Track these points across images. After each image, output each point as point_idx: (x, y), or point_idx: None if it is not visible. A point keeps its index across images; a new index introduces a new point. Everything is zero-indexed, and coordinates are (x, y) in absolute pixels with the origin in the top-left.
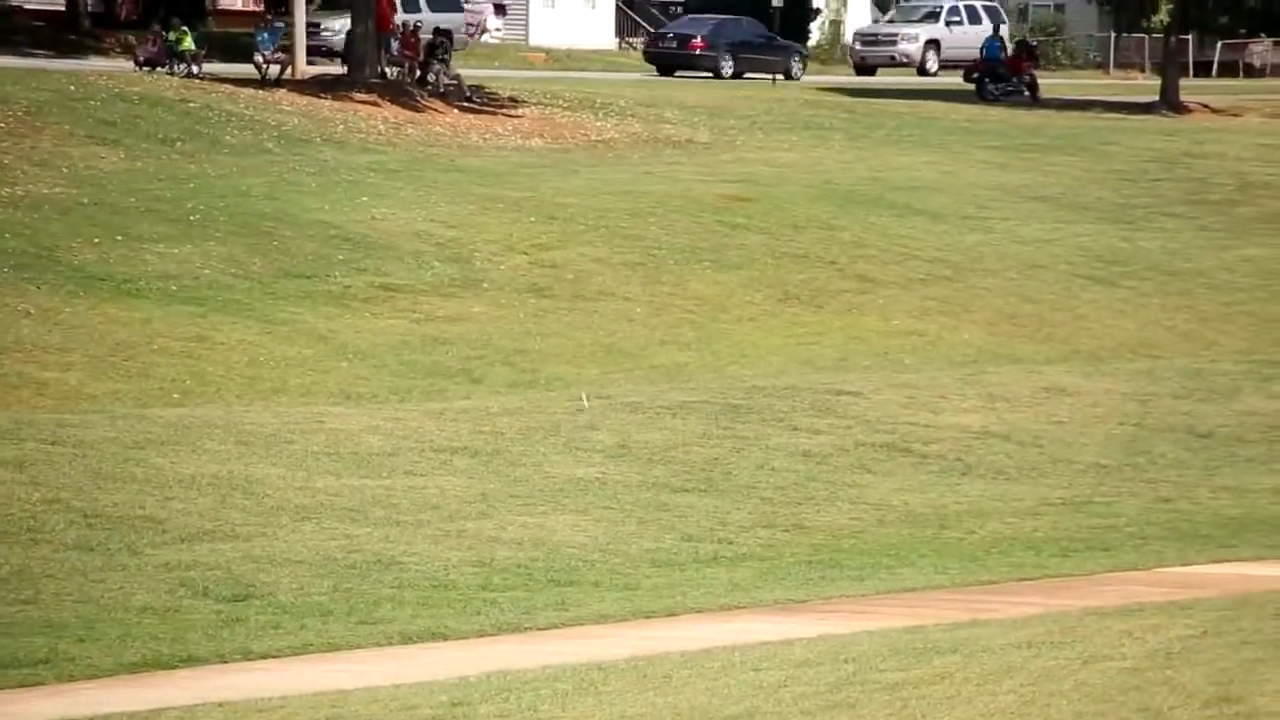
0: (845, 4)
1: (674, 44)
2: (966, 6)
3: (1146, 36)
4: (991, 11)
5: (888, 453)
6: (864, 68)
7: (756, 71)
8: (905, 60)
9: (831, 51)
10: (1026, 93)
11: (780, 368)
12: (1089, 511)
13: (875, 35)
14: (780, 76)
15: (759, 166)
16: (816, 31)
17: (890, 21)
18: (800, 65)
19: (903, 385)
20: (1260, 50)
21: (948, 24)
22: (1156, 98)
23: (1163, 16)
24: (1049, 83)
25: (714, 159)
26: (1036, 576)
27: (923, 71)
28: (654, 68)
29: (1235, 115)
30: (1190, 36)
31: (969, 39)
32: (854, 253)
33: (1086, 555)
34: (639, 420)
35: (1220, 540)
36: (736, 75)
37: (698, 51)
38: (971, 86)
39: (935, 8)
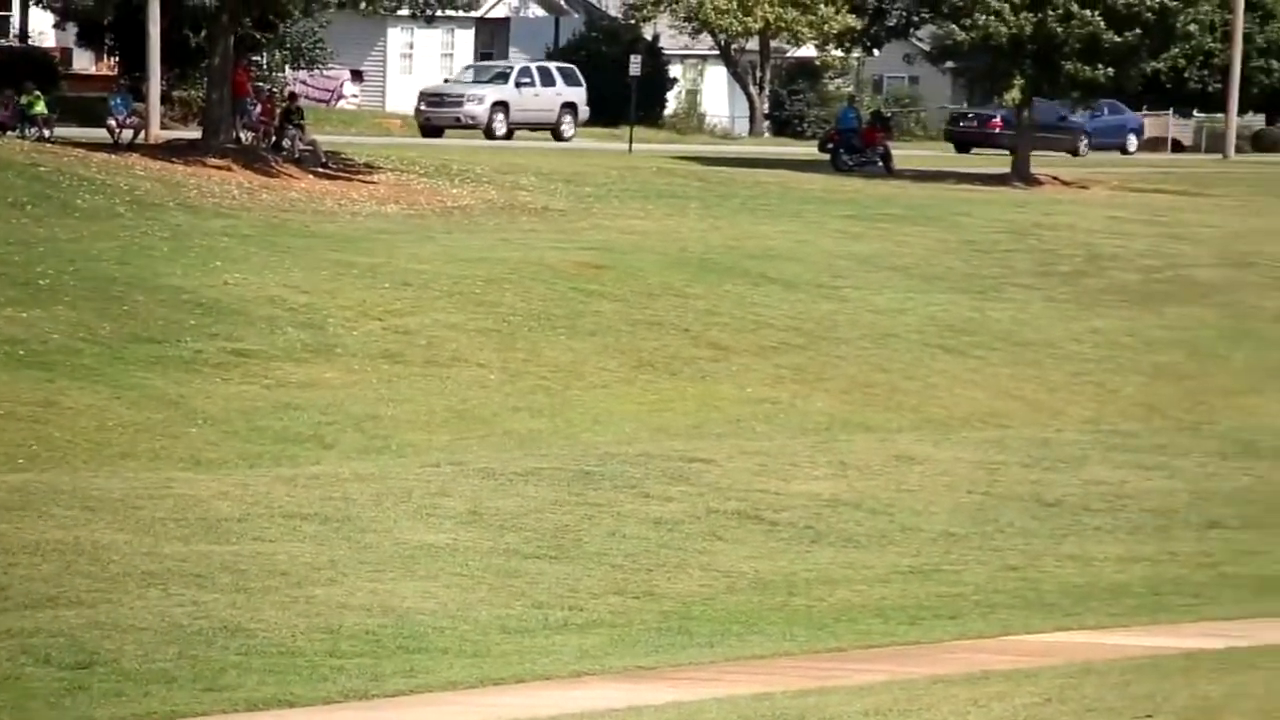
0: (702, 74)
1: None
2: (539, 68)
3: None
4: (567, 74)
5: (739, 520)
6: (429, 129)
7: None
8: (471, 122)
9: (688, 121)
10: (881, 163)
11: (633, 435)
12: (937, 579)
13: (441, 96)
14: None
15: (614, 234)
16: (673, 101)
17: (457, 82)
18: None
19: (755, 453)
20: None
21: (518, 85)
22: (1008, 170)
23: (1015, 91)
24: (903, 154)
25: (570, 226)
26: (884, 644)
27: (490, 135)
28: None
29: (1084, 188)
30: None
31: (541, 102)
32: (708, 320)
33: (934, 623)
34: (491, 487)
35: (1065, 608)
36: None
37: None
38: (826, 157)
39: (505, 69)
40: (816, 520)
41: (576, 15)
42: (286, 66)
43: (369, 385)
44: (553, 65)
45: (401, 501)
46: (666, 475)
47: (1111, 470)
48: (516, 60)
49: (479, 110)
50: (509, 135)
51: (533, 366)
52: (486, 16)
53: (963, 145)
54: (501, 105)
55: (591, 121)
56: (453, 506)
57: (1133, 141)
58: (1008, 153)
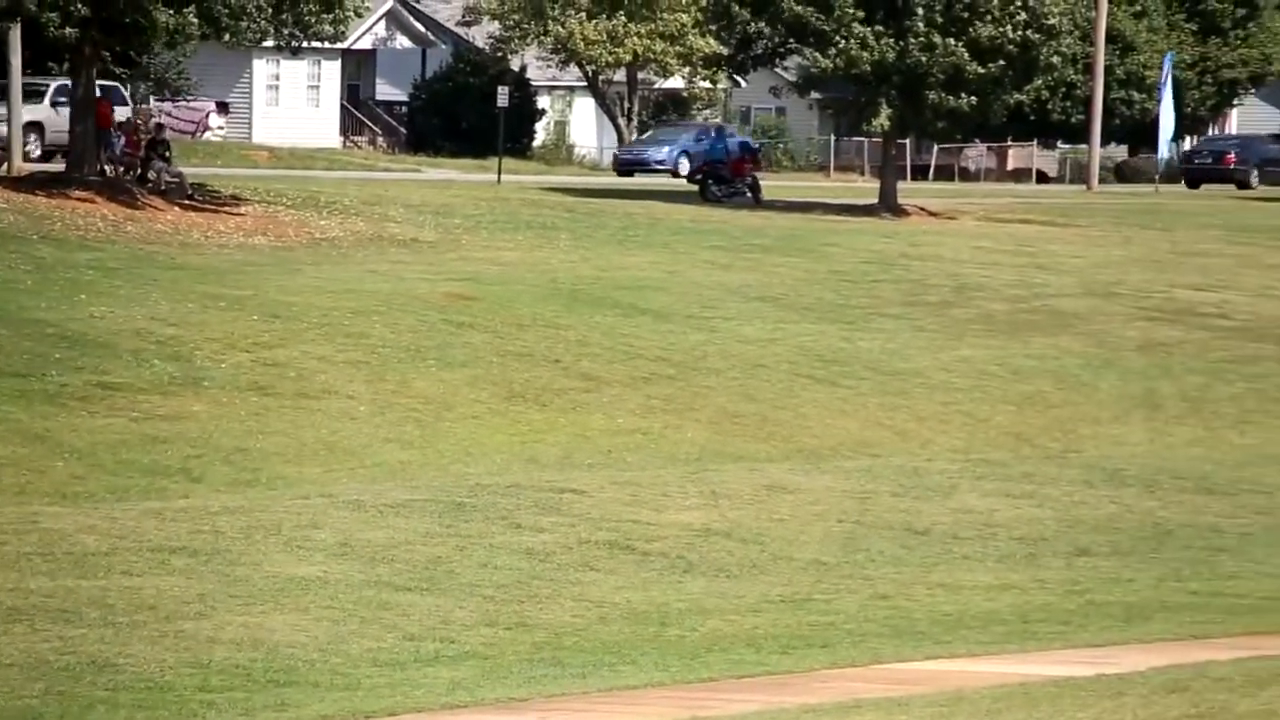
0: (570, 105)
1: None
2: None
3: (866, 140)
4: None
5: (610, 550)
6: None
7: None
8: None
9: (556, 152)
10: (749, 194)
11: (505, 466)
12: (808, 608)
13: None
14: None
15: (484, 265)
16: (541, 132)
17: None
18: None
19: (626, 483)
20: (975, 155)
21: (54, 105)
22: (876, 200)
23: (882, 121)
24: (771, 184)
25: (439, 257)
26: (756, 674)
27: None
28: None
29: (951, 218)
30: (908, 141)
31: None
32: (579, 351)
33: (806, 652)
34: (362, 519)
35: (936, 636)
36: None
37: None
38: (695, 188)
39: (42, 86)
40: (688, 550)
41: (444, 46)
42: (151, 98)
43: (238, 418)
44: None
45: (271, 534)
46: (538, 506)
47: (981, 499)
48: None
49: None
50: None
51: (403, 398)
52: (353, 48)
53: (1194, 182)
54: (36, 126)
55: (459, 153)
56: (323, 539)
57: None
58: (1235, 187)
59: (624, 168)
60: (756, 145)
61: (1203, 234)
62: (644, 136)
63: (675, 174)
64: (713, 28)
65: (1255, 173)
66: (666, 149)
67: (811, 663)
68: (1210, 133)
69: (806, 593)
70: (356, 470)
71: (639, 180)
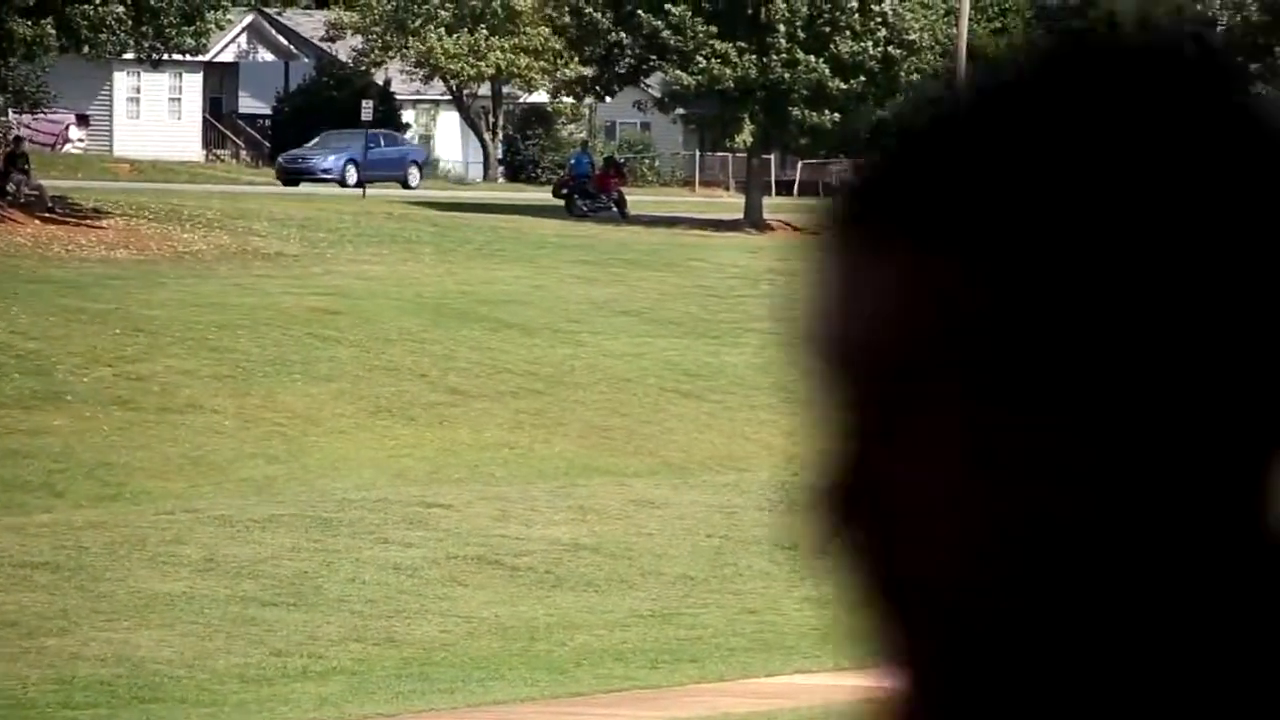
0: (435, 120)
1: None
2: None
3: (730, 155)
4: None
5: (479, 565)
6: None
7: None
8: None
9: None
10: (615, 209)
11: (372, 480)
12: (677, 623)
13: None
14: None
15: (349, 279)
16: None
17: None
18: None
19: (494, 498)
20: (839, 171)
21: None
22: (741, 216)
23: (746, 136)
24: (637, 199)
25: (304, 271)
26: (625, 688)
27: None
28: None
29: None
30: (773, 157)
31: None
32: (445, 365)
33: (674, 666)
34: (228, 534)
35: (804, 651)
36: None
37: None
38: (561, 202)
39: None
40: (557, 565)
41: (307, 60)
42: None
43: (101, 432)
44: None
45: (136, 549)
46: (406, 521)
47: None
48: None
49: None
50: None
51: (268, 413)
52: (215, 61)
53: None
54: None
55: None
56: (189, 554)
57: (415, 175)
58: None
59: (289, 176)
60: (622, 160)
61: None
62: (311, 144)
63: (343, 183)
64: (574, 53)
65: None
66: (333, 157)
67: (680, 677)
68: None
69: (675, 607)
70: (222, 485)
71: (505, 194)
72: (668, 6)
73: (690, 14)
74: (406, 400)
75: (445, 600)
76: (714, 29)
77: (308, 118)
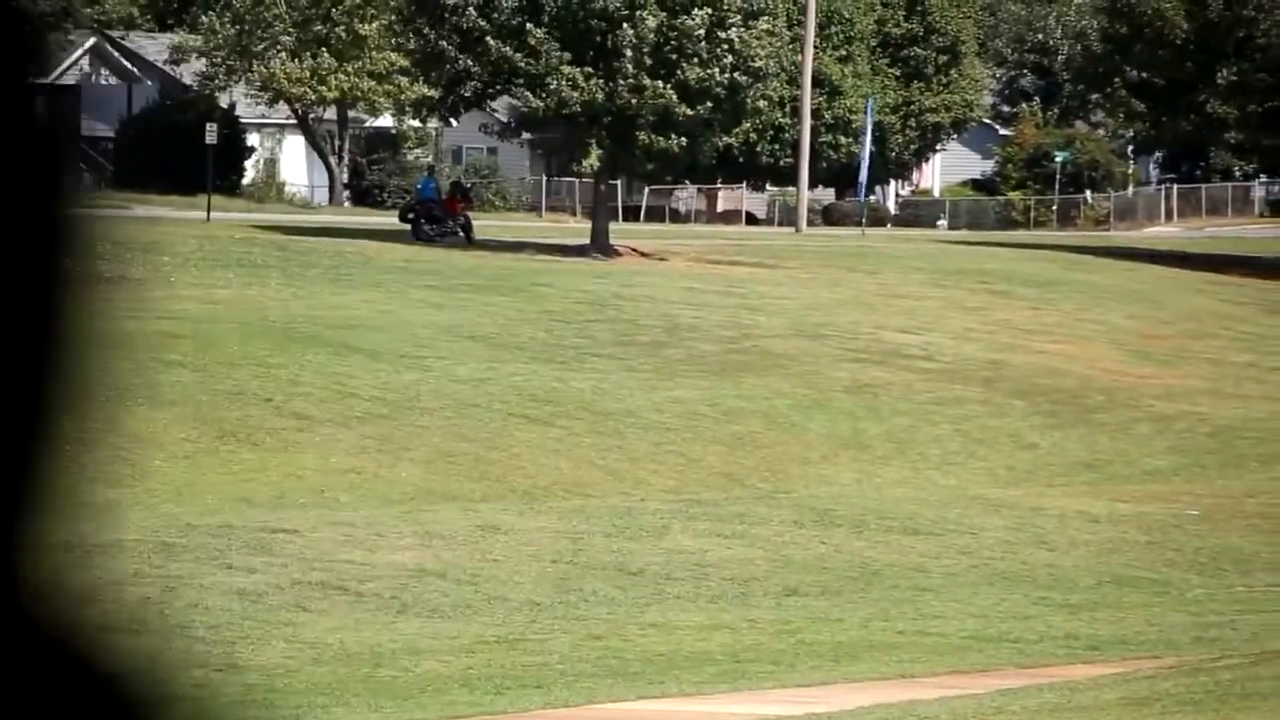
0: (280, 143)
1: None
2: None
3: (577, 181)
4: None
5: (324, 591)
6: None
7: None
8: None
9: (266, 190)
10: (461, 234)
11: (216, 506)
12: (522, 649)
13: None
14: None
15: (194, 303)
16: (252, 170)
17: None
18: None
19: (340, 523)
20: (685, 196)
21: None
22: (588, 241)
23: (592, 161)
24: (483, 224)
25: (147, 295)
26: (471, 714)
27: None
28: None
29: (663, 259)
30: (619, 182)
31: None
32: (291, 390)
33: (520, 693)
34: (68, 560)
35: (649, 677)
36: None
37: None
38: (407, 227)
39: None
40: (402, 591)
41: (150, 83)
42: None
43: None
44: None
45: None
46: (250, 546)
47: (693, 539)
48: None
49: None
50: None
51: (110, 436)
52: (57, 83)
53: None
54: None
55: (168, 190)
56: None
57: None
58: None
59: None
60: (469, 185)
61: (908, 277)
62: None
63: None
64: (420, 75)
65: None
66: None
67: (525, 703)
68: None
69: (520, 633)
70: (62, 510)
71: (351, 219)
72: (529, 26)
73: (547, 37)
74: (251, 425)
75: (289, 626)
76: (566, 54)
77: (152, 141)
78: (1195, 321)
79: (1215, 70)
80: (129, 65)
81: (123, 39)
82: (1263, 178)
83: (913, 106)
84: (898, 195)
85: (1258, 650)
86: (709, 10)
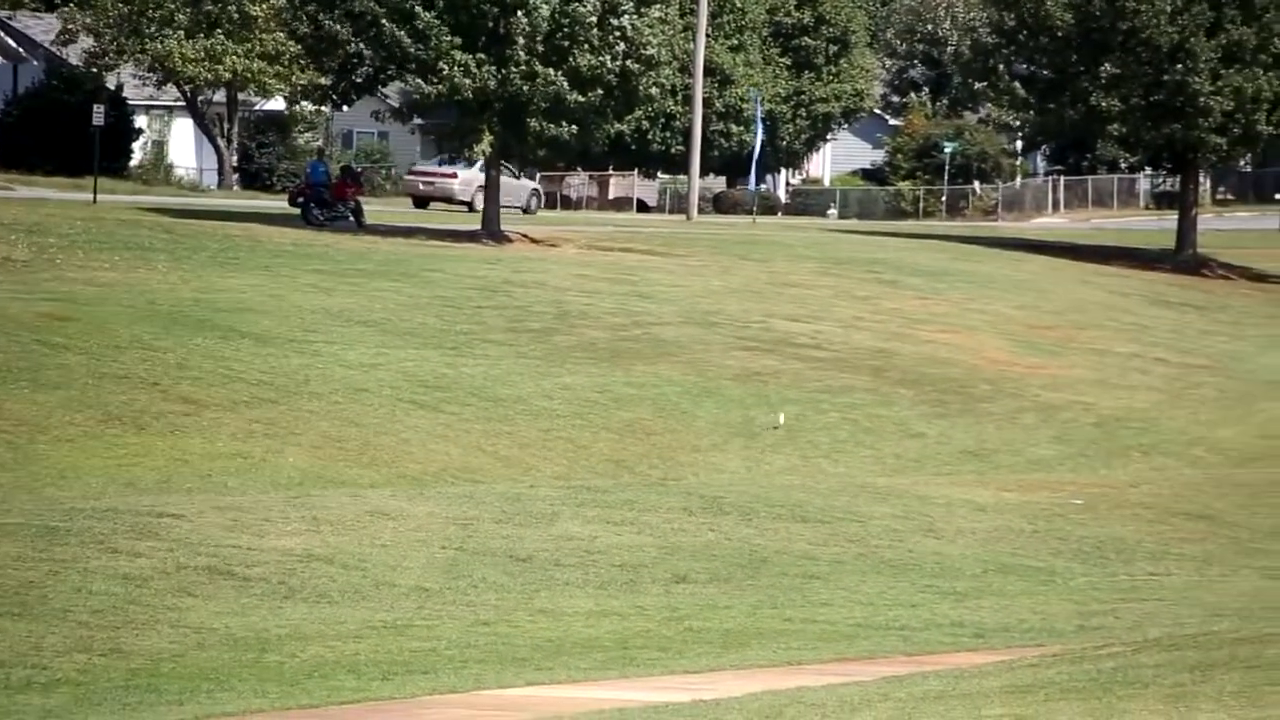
0: (169, 125)
1: None
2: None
3: None
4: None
5: (210, 575)
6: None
7: None
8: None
9: (154, 172)
10: (352, 218)
11: (101, 490)
12: (410, 635)
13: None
14: None
15: (79, 286)
16: (139, 151)
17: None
18: None
19: (226, 508)
20: (577, 183)
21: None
22: (479, 227)
23: (484, 147)
24: (374, 209)
25: (32, 277)
26: (357, 700)
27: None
28: None
29: (554, 245)
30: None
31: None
32: (177, 374)
33: (407, 678)
34: None
35: (537, 663)
36: None
37: None
38: (296, 211)
39: None
40: (289, 576)
41: (36, 63)
42: None
43: None
44: None
45: None
46: (135, 530)
47: (582, 525)
48: None
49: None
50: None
51: None
52: None
53: None
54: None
55: (54, 171)
56: None
57: None
58: None
59: None
60: (359, 169)
61: (798, 265)
62: None
63: None
64: (311, 62)
65: None
66: None
67: (413, 689)
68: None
69: (409, 619)
70: None
71: (240, 202)
72: (417, 9)
73: (437, 23)
74: (137, 409)
75: (174, 611)
76: (457, 40)
77: (38, 121)
78: (1081, 312)
79: (1099, 62)
80: (15, 45)
81: (10, 20)
82: (1147, 170)
83: (804, 96)
84: (788, 184)
85: (1140, 638)
86: None
